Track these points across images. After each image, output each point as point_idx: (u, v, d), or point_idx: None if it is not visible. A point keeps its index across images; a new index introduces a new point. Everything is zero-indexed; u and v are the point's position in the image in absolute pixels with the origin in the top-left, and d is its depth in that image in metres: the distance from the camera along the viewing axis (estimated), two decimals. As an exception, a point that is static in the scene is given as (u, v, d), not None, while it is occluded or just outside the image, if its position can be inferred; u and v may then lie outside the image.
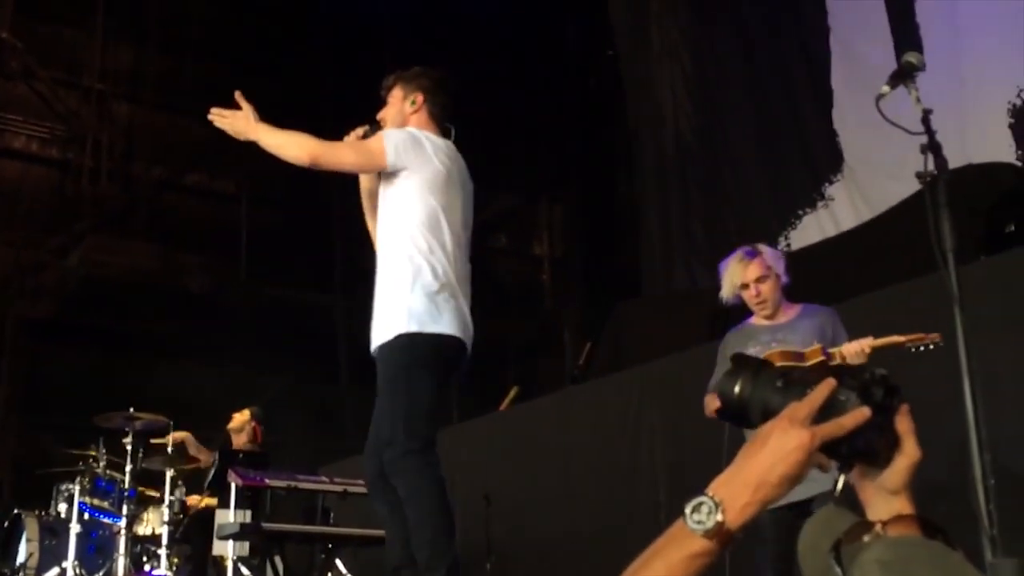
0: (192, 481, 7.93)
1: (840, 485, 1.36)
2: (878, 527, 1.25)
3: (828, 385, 1.31)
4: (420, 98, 4.16)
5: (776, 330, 4.35)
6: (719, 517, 1.29)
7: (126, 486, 7.01)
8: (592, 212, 12.55)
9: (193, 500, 7.65)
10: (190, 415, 8.16)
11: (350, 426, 11.26)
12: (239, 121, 3.89)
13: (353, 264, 11.78)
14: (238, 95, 3.89)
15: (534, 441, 7.63)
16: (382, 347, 3.92)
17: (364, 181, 4.22)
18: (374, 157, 3.94)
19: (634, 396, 6.85)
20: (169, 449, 7.33)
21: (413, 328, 3.84)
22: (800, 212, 8.71)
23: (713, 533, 1.28)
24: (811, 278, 7.17)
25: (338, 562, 7.07)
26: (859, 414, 1.29)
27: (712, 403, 4.18)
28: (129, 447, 7.02)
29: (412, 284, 3.88)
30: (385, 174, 4.02)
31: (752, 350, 4.14)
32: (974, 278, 4.06)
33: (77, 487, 7.05)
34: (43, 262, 11.28)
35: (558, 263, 13.14)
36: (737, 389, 1.38)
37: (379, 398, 3.94)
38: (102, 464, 7.29)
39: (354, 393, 11.40)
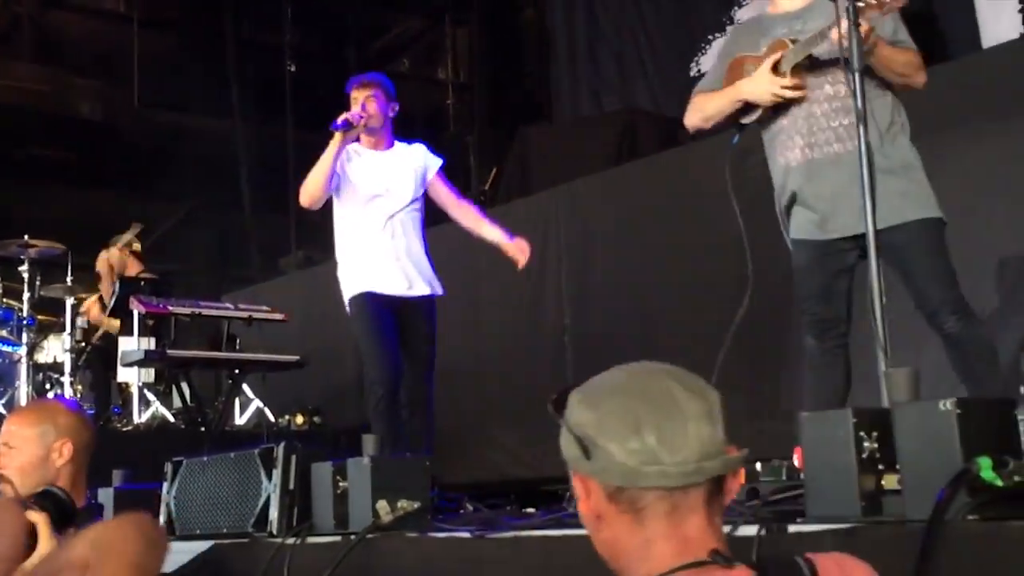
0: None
1: None
2: None
3: None
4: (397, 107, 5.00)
5: (793, 18, 3.55)
6: None
7: (24, 314, 6.88)
8: (497, 36, 12.30)
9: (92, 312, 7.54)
10: (86, 243, 7.97)
11: (254, 253, 11.15)
12: None
13: (250, 89, 11.46)
14: None
15: (440, 266, 7.63)
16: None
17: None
18: None
19: (541, 220, 6.87)
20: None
21: None
22: (709, 37, 8.65)
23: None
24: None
25: (245, 387, 7.12)
26: None
27: (694, 111, 3.69)
28: (26, 275, 6.85)
29: None
30: None
31: (764, 45, 3.51)
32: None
33: (-27, 315, 6.90)
34: (-79, 84, 10.74)
35: (462, 88, 12.93)
36: None
37: None
38: (-2, 292, 7.14)
39: (258, 220, 11.24)
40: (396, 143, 5.12)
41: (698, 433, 1.35)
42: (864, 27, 3.10)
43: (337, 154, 4.80)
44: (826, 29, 3.28)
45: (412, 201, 5.01)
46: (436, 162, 5.16)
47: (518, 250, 5.04)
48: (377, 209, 4.91)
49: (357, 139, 4.97)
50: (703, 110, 3.68)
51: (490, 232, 5.18)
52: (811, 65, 3.44)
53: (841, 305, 3.45)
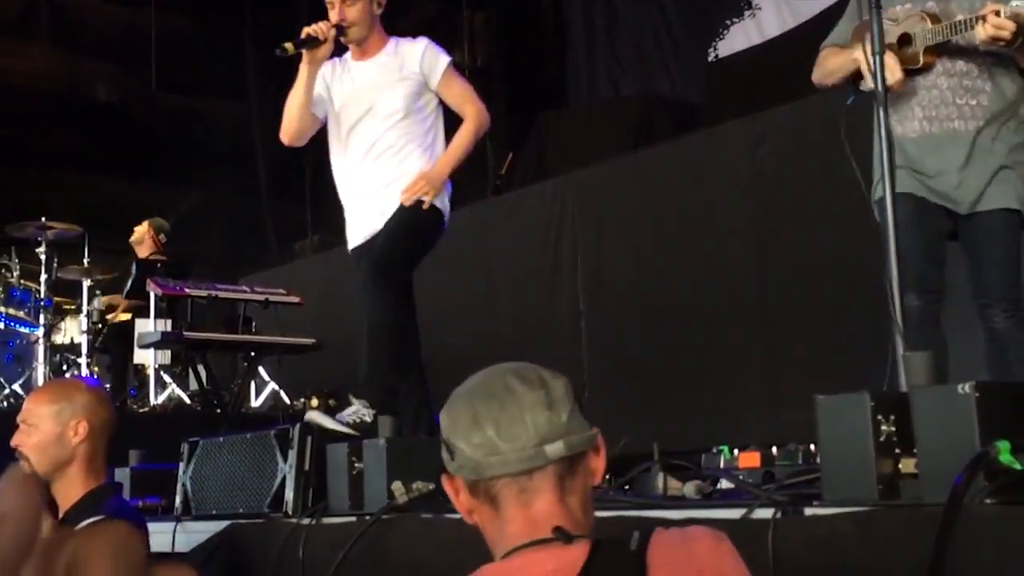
0: (109, 292, 7.84)
1: None
2: None
3: None
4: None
5: None
6: None
7: (41, 296, 6.90)
8: (514, 20, 12.26)
9: (110, 301, 7.57)
10: (101, 228, 8.00)
11: (270, 237, 11.17)
12: None
13: (267, 73, 11.44)
14: None
15: (455, 251, 7.62)
16: None
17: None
18: None
19: (556, 206, 6.85)
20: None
21: None
22: (727, 22, 8.60)
23: None
24: (736, 86, 7.16)
25: (261, 369, 7.15)
26: None
27: (817, 67, 3.55)
28: (43, 257, 6.87)
29: None
30: None
31: (897, 5, 3.38)
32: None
33: (-10, 296, 6.94)
34: (-62, 67, 10.76)
35: (479, 72, 12.89)
36: None
37: None
38: (16, 274, 7.15)
39: (274, 204, 11.26)
40: (389, 43, 4.10)
41: (534, 420, 1.45)
42: (1006, 30, 3.11)
43: (309, 79, 3.96)
44: (971, 19, 3.21)
45: (404, 117, 4.02)
46: (440, 64, 4.08)
47: (412, 185, 3.99)
48: (359, 135, 4.02)
49: (344, 48, 4.07)
50: (824, 66, 3.56)
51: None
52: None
53: (939, 270, 3.36)
